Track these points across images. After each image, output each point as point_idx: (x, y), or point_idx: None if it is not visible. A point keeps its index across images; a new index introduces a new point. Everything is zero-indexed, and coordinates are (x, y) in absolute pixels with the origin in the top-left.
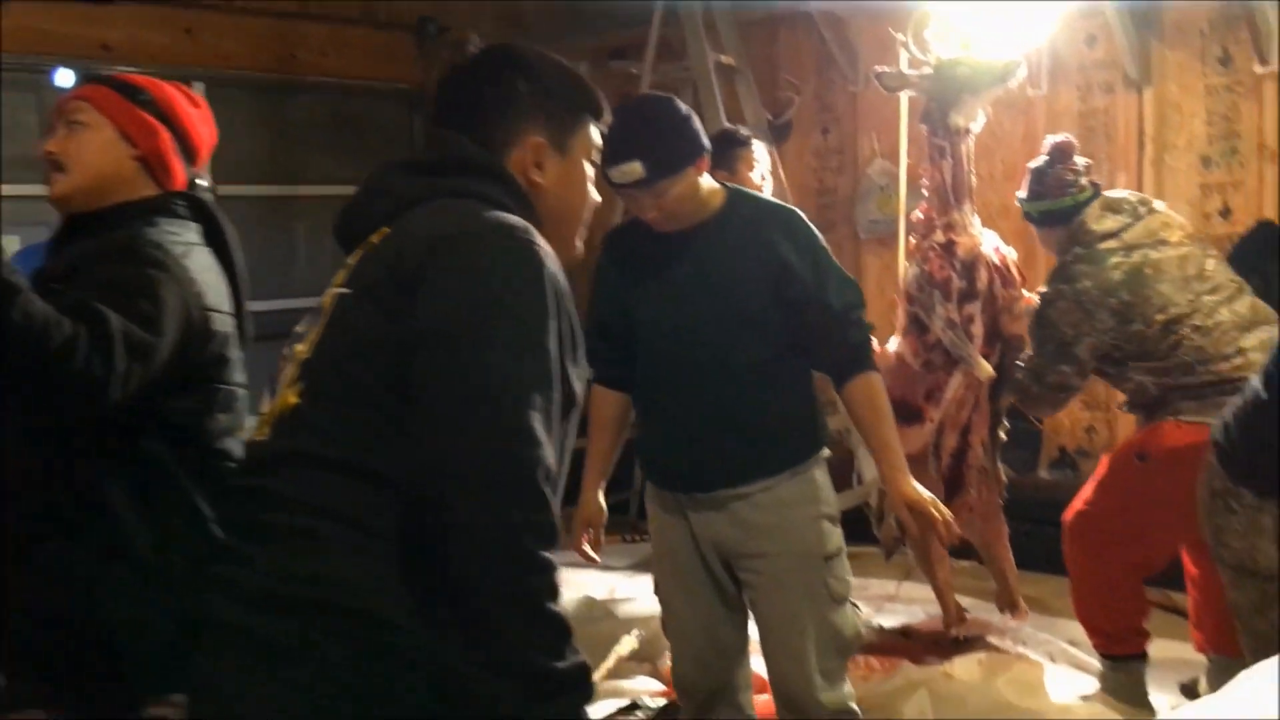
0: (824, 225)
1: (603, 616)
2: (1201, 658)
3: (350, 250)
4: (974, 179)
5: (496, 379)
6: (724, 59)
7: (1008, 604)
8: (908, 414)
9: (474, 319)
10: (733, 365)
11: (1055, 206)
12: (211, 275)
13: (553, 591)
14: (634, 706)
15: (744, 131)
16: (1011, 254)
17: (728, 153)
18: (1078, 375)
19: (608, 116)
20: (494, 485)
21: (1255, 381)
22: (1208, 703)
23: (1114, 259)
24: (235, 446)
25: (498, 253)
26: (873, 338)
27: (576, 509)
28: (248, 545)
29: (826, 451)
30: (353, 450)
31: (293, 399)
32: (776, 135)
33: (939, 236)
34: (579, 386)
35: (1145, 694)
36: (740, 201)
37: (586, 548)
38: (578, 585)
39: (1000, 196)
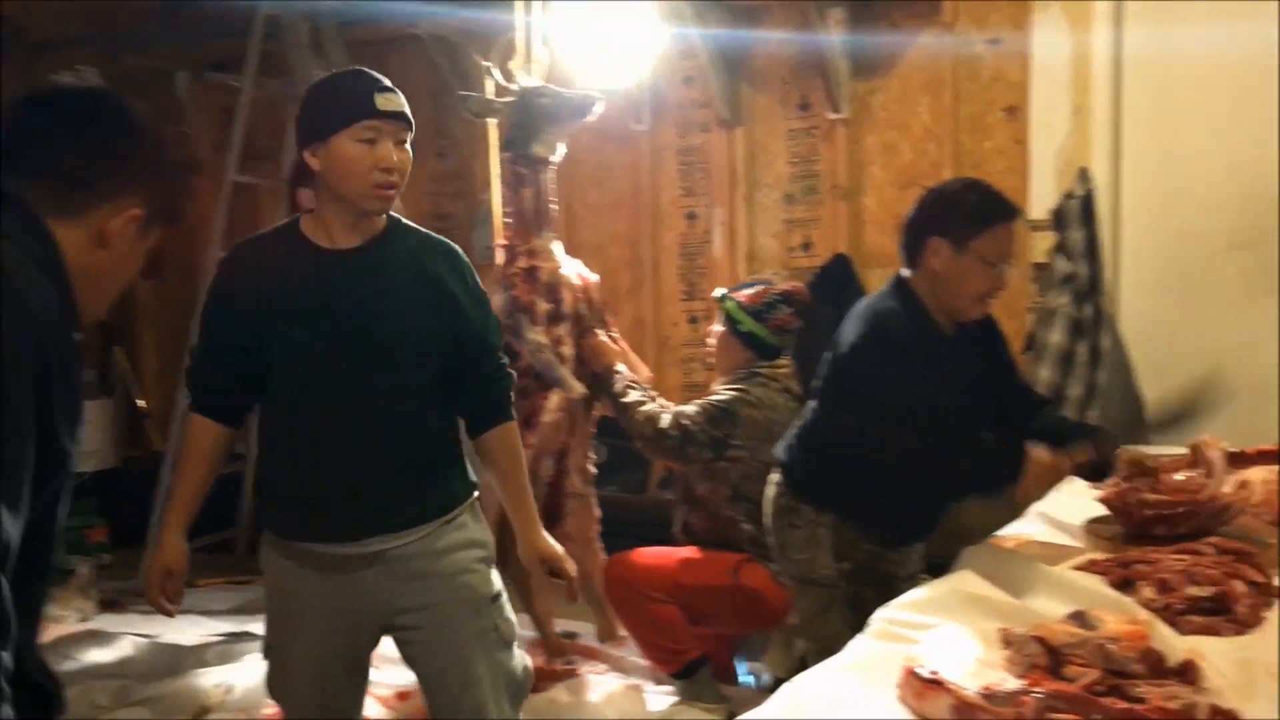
0: None
1: (192, 668)
2: None
3: None
4: (555, 207)
5: None
6: None
7: (608, 633)
8: None
9: None
10: (391, 402)
11: (763, 338)
12: None
13: None
14: None
15: None
16: (594, 279)
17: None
18: (706, 461)
19: (181, 183)
20: None
21: (813, 401)
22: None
23: (794, 416)
24: None
25: None
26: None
27: (154, 553)
28: None
29: (477, 493)
30: None
31: None
32: None
33: (522, 262)
34: (72, 447)
35: (717, 690)
36: (401, 228)
37: (163, 600)
38: (169, 632)
39: (610, 225)
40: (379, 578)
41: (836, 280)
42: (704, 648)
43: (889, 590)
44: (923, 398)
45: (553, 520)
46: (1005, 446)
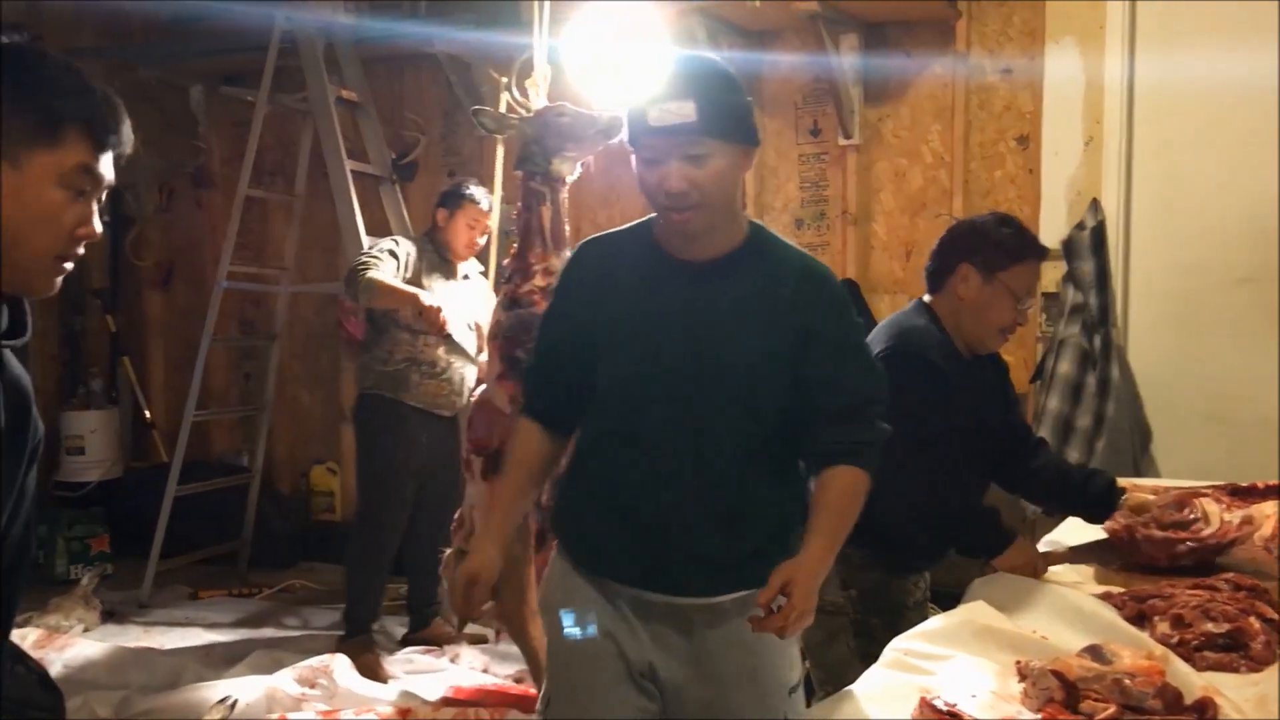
0: None
1: (193, 680)
2: None
3: None
4: (567, 227)
5: None
6: (345, 93)
7: None
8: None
9: None
10: (714, 439)
11: None
12: None
13: None
14: None
15: (479, 194)
16: None
17: (456, 200)
18: None
19: (127, 139)
20: None
21: None
22: None
23: None
24: None
25: None
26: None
27: (466, 563)
28: None
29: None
30: None
31: None
32: (401, 175)
33: (539, 280)
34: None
35: None
36: (765, 240)
37: (466, 607)
38: (171, 644)
39: None
40: (677, 637)
41: None
42: None
43: (896, 618)
44: (946, 412)
45: (544, 541)
46: (997, 524)
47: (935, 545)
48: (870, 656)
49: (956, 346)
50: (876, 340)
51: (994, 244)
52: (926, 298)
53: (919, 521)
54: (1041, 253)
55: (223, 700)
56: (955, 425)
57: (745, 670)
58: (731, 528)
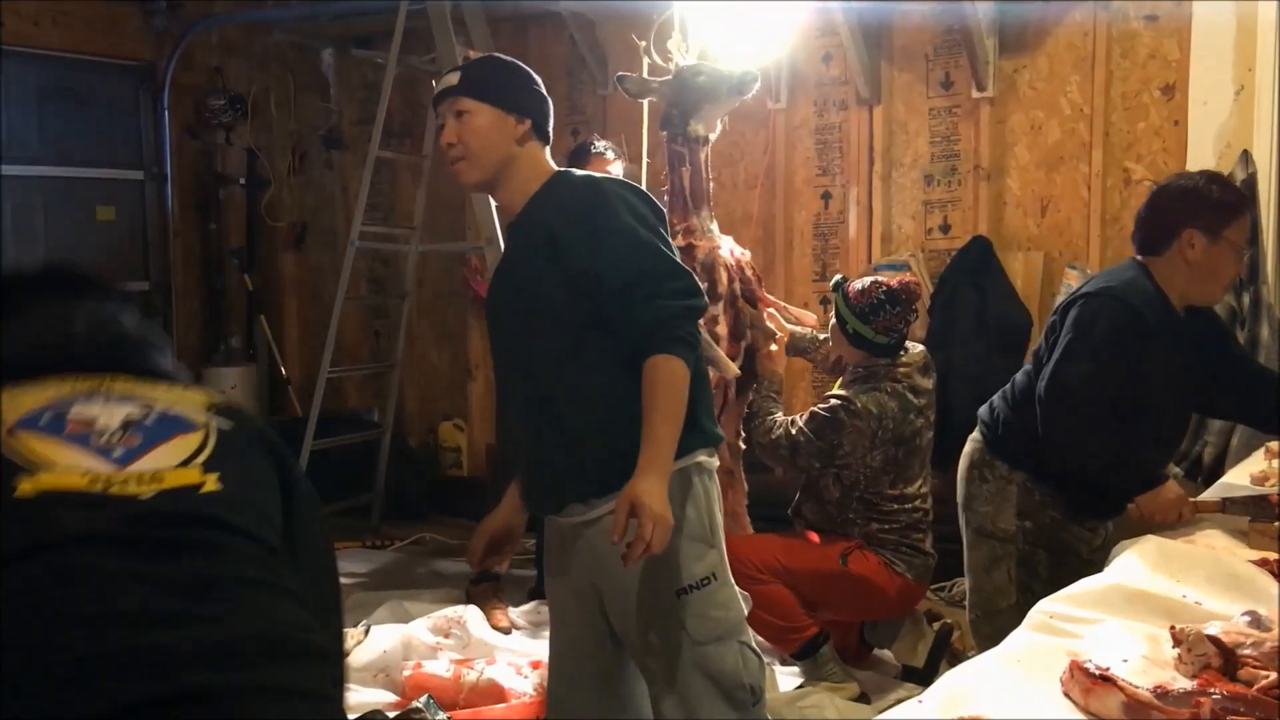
0: None
1: None
2: None
3: None
4: (712, 186)
5: None
6: (473, 54)
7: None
8: None
9: None
10: (541, 362)
11: (872, 339)
12: None
13: None
14: (371, 716)
15: (601, 146)
16: (746, 255)
17: (584, 155)
18: (816, 469)
19: None
20: None
21: (1028, 366)
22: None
23: (913, 414)
24: None
25: None
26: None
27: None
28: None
29: (705, 458)
30: None
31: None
32: None
33: (679, 240)
34: None
35: (843, 669)
36: (559, 183)
37: None
38: None
39: (743, 204)
40: (583, 554)
41: (975, 263)
42: (826, 630)
43: (1063, 560)
44: (1140, 363)
45: None
46: (1149, 471)
47: (1118, 492)
48: (1028, 590)
49: (1172, 304)
50: (1092, 283)
51: (1214, 204)
52: (1139, 258)
53: (1106, 468)
54: (1249, 202)
55: (355, 625)
56: (1155, 378)
57: (624, 583)
58: (573, 442)
